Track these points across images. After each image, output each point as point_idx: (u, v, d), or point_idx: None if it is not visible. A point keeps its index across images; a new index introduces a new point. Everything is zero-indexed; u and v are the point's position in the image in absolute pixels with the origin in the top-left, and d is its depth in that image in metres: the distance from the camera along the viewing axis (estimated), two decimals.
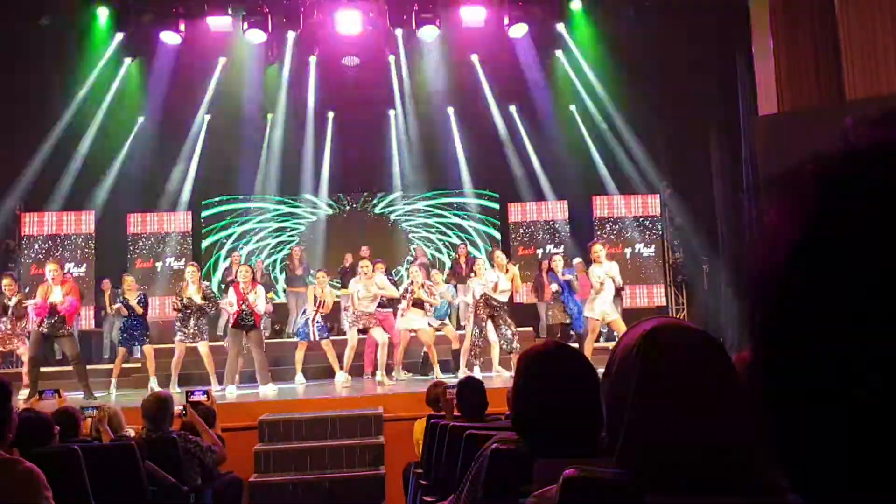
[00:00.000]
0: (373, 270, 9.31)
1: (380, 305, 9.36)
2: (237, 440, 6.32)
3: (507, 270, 8.99)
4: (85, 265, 12.80)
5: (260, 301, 8.90)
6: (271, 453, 6.54)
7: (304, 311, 9.47)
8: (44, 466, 2.69)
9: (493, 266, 9.19)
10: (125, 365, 9.67)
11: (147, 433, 4.63)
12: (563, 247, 13.63)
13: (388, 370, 9.12)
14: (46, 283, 8.61)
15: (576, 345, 8.66)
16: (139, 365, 10.45)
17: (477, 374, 8.46)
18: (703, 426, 0.97)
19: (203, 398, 5.73)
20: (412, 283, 9.30)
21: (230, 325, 8.98)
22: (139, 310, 9.27)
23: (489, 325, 8.95)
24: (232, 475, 5.62)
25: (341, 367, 9.18)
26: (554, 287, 10.06)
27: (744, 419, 1.00)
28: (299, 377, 9.18)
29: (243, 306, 8.77)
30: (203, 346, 8.94)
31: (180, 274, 12.19)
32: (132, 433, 4.93)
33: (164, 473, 4.30)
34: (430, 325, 9.49)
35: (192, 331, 8.94)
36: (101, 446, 4.28)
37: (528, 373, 1.83)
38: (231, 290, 9.08)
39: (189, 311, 8.96)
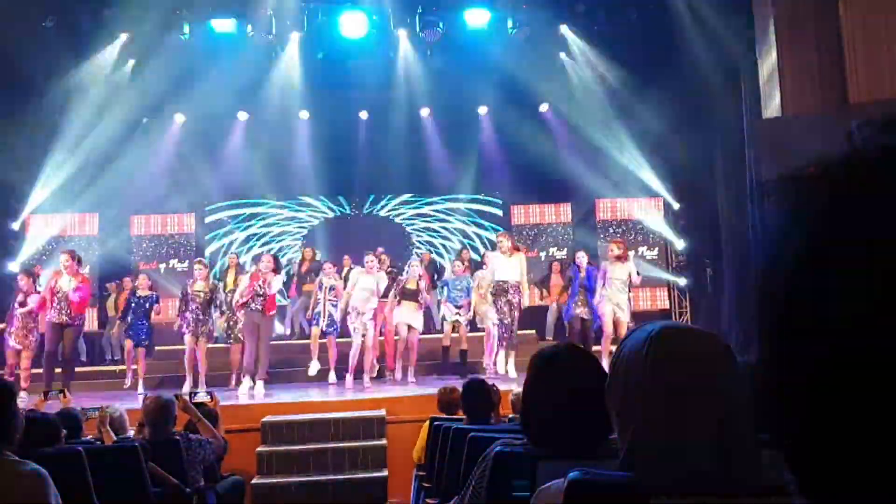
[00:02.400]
0: (378, 271, 9.34)
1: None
2: (240, 442, 6.32)
3: (512, 253, 9.03)
4: (89, 267, 12.82)
5: (276, 283, 8.90)
6: (274, 455, 6.54)
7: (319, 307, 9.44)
8: (48, 467, 2.70)
9: (496, 250, 9.21)
10: (133, 367, 9.67)
11: (150, 436, 4.63)
12: (566, 249, 13.64)
13: (379, 372, 9.45)
14: (57, 272, 8.75)
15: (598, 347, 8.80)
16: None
17: (511, 368, 8.67)
18: (712, 429, 0.98)
19: (206, 399, 5.74)
20: (408, 275, 9.37)
21: (243, 314, 8.95)
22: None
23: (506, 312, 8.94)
24: (235, 477, 5.63)
25: (332, 369, 9.26)
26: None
27: (750, 421, 1.01)
28: (331, 376, 9.21)
29: (256, 286, 8.72)
30: (202, 346, 9.00)
31: (184, 276, 12.22)
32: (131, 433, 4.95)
33: (167, 475, 4.30)
34: (444, 318, 9.58)
35: (197, 326, 8.97)
36: (105, 448, 4.28)
37: (540, 373, 1.83)
38: (247, 277, 9.09)
39: (194, 304, 8.99)
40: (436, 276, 12.24)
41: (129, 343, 9.52)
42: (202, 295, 9.04)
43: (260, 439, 6.75)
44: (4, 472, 2.58)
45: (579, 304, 9.46)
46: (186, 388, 8.38)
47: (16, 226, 12.58)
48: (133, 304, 9.62)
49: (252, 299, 8.73)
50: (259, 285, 8.72)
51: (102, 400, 7.56)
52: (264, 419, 6.89)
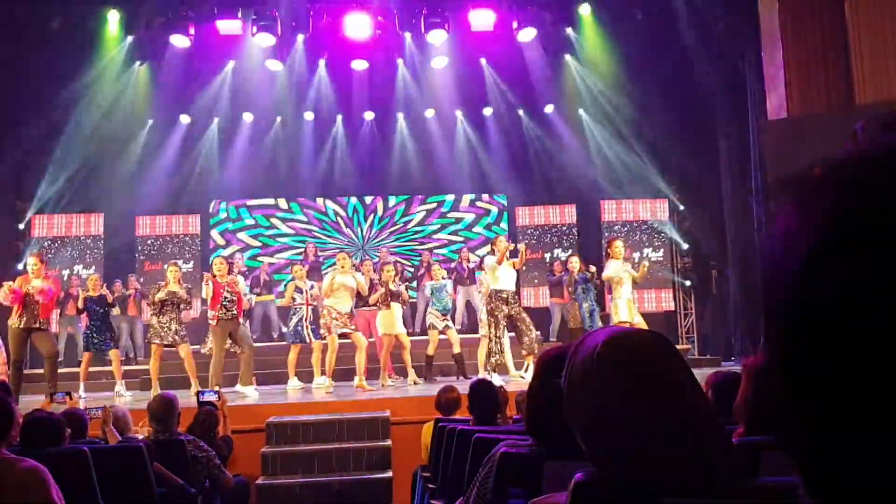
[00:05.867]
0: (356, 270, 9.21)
1: (364, 305, 9.11)
2: (244, 442, 6.33)
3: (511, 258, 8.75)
4: (94, 267, 12.85)
5: (241, 285, 8.67)
6: (279, 455, 6.54)
7: (296, 311, 9.14)
8: (54, 467, 2.70)
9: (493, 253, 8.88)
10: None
11: (155, 434, 4.64)
12: (570, 251, 13.63)
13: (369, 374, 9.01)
14: (26, 276, 8.48)
15: None
16: (146, 367, 10.47)
17: (496, 379, 8.13)
18: (675, 425, 0.98)
19: (213, 398, 5.74)
20: (384, 281, 9.12)
21: (213, 324, 8.69)
22: (109, 297, 9.24)
23: (504, 325, 8.63)
24: (239, 477, 5.63)
25: (323, 373, 8.85)
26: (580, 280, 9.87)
27: (712, 414, 1.02)
28: (294, 382, 8.98)
29: (224, 294, 8.52)
30: (184, 349, 8.65)
31: (188, 276, 12.24)
32: (140, 435, 4.95)
33: (172, 475, 4.31)
34: (433, 326, 9.45)
35: (171, 333, 8.64)
36: (110, 447, 4.29)
37: (545, 374, 1.83)
38: (210, 284, 8.75)
39: (166, 307, 8.69)
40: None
41: (88, 355, 9.05)
42: (176, 298, 8.73)
43: (264, 440, 6.75)
44: (3, 469, 2.58)
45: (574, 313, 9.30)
46: (152, 394, 8.03)
47: (21, 226, 12.62)
48: (89, 309, 9.08)
49: (224, 309, 8.54)
50: (229, 292, 8.56)
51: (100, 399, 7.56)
52: (269, 420, 6.90)
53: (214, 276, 8.68)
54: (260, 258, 14.11)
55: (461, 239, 14.74)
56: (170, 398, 4.82)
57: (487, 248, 13.30)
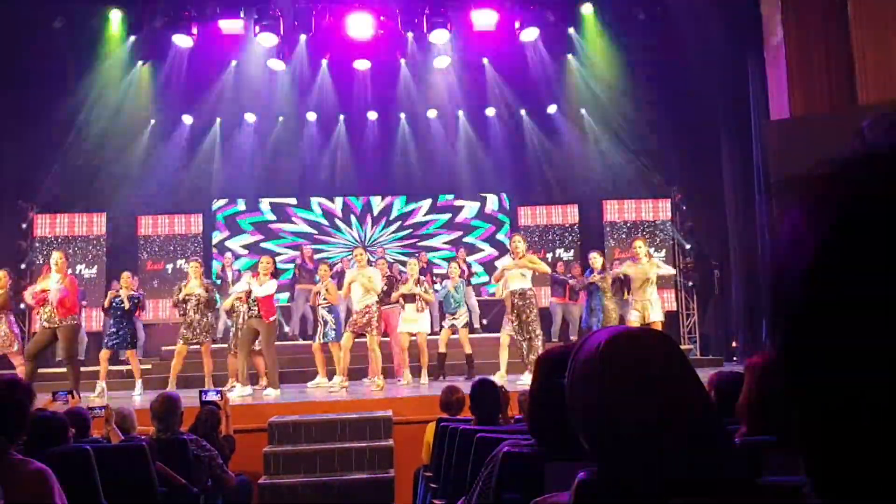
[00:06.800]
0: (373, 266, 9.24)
1: (381, 302, 9.03)
2: (247, 442, 6.33)
3: (522, 255, 8.50)
4: (96, 267, 12.87)
5: (264, 288, 8.57)
6: (281, 455, 6.55)
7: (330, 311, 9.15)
8: (57, 466, 2.70)
9: (510, 254, 8.78)
10: (128, 367, 9.53)
11: (158, 434, 4.64)
12: (572, 251, 13.64)
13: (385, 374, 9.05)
14: (47, 266, 8.60)
15: None
16: (150, 366, 10.49)
17: (524, 378, 8.17)
18: (677, 423, 0.98)
19: (216, 398, 5.74)
20: (407, 276, 9.17)
21: (242, 321, 8.82)
22: (127, 304, 9.12)
23: (514, 325, 8.49)
24: (242, 477, 5.64)
25: (336, 373, 8.89)
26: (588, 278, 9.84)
27: (714, 413, 1.02)
28: (321, 380, 9.01)
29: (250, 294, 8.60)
30: (205, 347, 8.87)
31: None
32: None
33: (174, 474, 4.31)
34: (443, 326, 9.48)
35: (195, 331, 8.83)
36: (113, 447, 4.29)
37: (547, 374, 1.83)
38: (247, 275, 8.88)
39: (190, 305, 8.85)
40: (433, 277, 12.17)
41: (104, 353, 8.95)
42: (197, 296, 8.88)
43: (267, 439, 6.76)
44: (9, 470, 2.58)
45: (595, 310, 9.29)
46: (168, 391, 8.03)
47: (24, 225, 12.63)
48: (115, 306, 9.07)
49: (245, 302, 8.60)
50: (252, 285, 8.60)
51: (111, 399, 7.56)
52: (271, 419, 6.90)
53: (258, 274, 8.72)
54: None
55: (458, 237, 14.71)
56: (173, 398, 4.82)
57: (488, 248, 13.35)
